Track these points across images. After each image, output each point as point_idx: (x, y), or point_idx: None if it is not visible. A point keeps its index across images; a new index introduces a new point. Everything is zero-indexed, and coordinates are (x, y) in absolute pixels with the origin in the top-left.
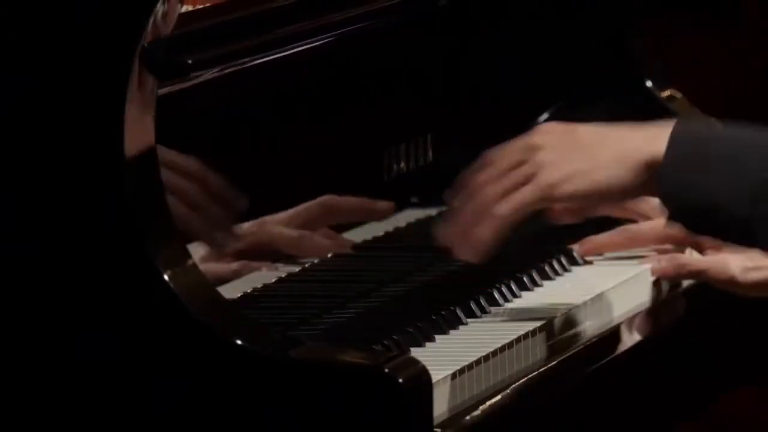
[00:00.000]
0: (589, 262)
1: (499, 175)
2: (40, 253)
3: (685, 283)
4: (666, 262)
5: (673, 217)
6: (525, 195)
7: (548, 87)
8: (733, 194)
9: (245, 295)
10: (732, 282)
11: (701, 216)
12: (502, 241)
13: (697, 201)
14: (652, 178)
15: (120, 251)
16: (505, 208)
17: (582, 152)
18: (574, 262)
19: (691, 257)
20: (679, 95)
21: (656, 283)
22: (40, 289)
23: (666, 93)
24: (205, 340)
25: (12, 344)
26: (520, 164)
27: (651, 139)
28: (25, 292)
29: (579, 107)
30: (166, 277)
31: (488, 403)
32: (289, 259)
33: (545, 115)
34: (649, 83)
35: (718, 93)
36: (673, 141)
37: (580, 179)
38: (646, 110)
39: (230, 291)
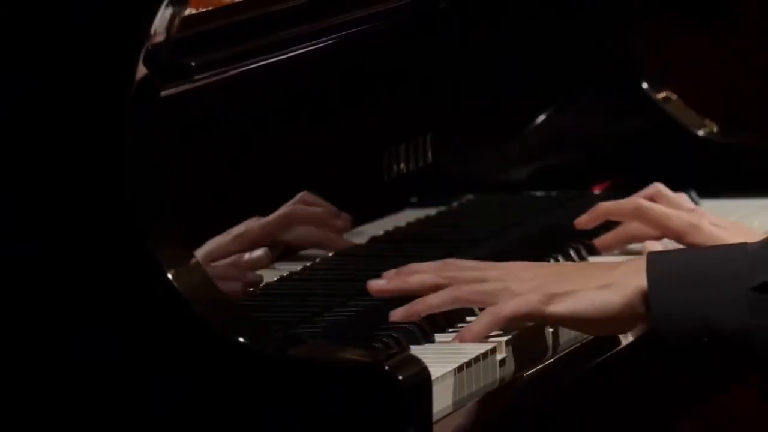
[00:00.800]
0: (585, 260)
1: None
2: (43, 252)
3: None
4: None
5: (668, 343)
6: (522, 303)
7: (545, 88)
8: (728, 306)
9: (247, 294)
10: None
11: (697, 336)
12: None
13: (691, 320)
14: (640, 306)
15: (123, 250)
16: (506, 310)
17: (571, 276)
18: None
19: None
20: (674, 97)
21: None
22: (43, 289)
23: (662, 94)
24: (208, 338)
25: (14, 343)
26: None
27: (635, 271)
28: (27, 292)
29: (575, 108)
30: (169, 276)
31: (487, 400)
32: (290, 258)
33: (543, 116)
34: (645, 85)
35: (713, 95)
36: (652, 265)
37: (572, 300)
38: (641, 112)
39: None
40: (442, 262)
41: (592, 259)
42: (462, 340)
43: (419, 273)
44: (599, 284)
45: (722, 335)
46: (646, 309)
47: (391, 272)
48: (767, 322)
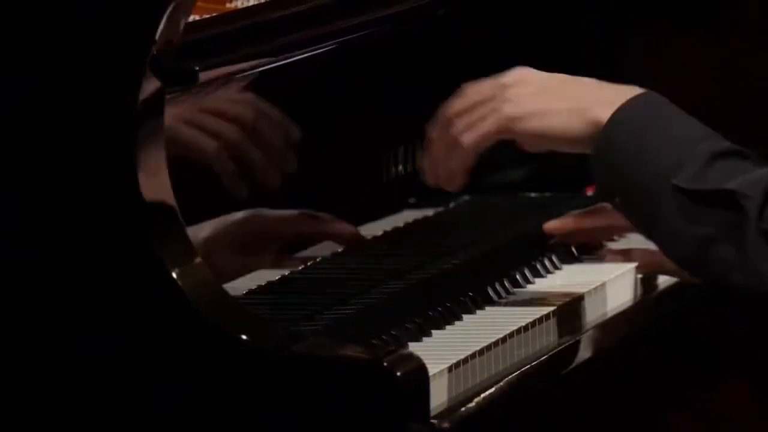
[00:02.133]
0: (579, 260)
1: (469, 108)
2: (49, 251)
3: (665, 283)
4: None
5: (596, 187)
6: (485, 126)
7: None
8: (643, 195)
9: (250, 292)
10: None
11: (618, 194)
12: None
13: (616, 184)
14: (590, 139)
15: (127, 250)
16: (469, 138)
17: (544, 95)
18: (564, 260)
19: (643, 250)
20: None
21: (641, 281)
22: (48, 287)
23: None
24: (211, 335)
25: (18, 341)
26: (488, 99)
27: (605, 104)
28: (32, 290)
29: None
30: (174, 275)
31: (483, 395)
32: (291, 257)
33: None
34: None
35: (705, 97)
36: (616, 115)
37: (537, 119)
38: None
39: (235, 288)
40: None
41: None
42: (444, 182)
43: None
44: (569, 105)
45: (633, 202)
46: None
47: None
48: (666, 217)
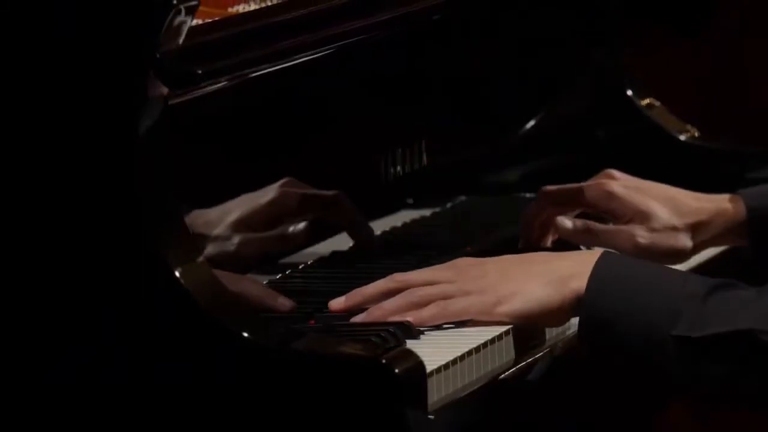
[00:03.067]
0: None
1: (428, 282)
2: (56, 250)
3: None
4: (580, 224)
5: (591, 346)
6: (470, 303)
7: (534, 96)
8: (644, 353)
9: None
10: (639, 252)
11: (615, 353)
12: None
13: (612, 347)
14: (570, 310)
15: (132, 249)
16: (455, 307)
17: (518, 274)
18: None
19: (603, 227)
20: (657, 104)
21: None
22: (53, 285)
23: (646, 101)
24: (214, 333)
25: (22, 338)
26: (450, 283)
27: (574, 273)
28: (38, 289)
29: (564, 114)
30: (177, 274)
31: (479, 391)
32: (292, 256)
33: (532, 121)
34: (629, 92)
35: (694, 101)
36: (593, 277)
37: (518, 299)
38: (627, 118)
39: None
40: (389, 277)
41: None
42: (409, 320)
43: (371, 288)
44: (543, 281)
45: (636, 362)
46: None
47: (349, 295)
48: (677, 369)
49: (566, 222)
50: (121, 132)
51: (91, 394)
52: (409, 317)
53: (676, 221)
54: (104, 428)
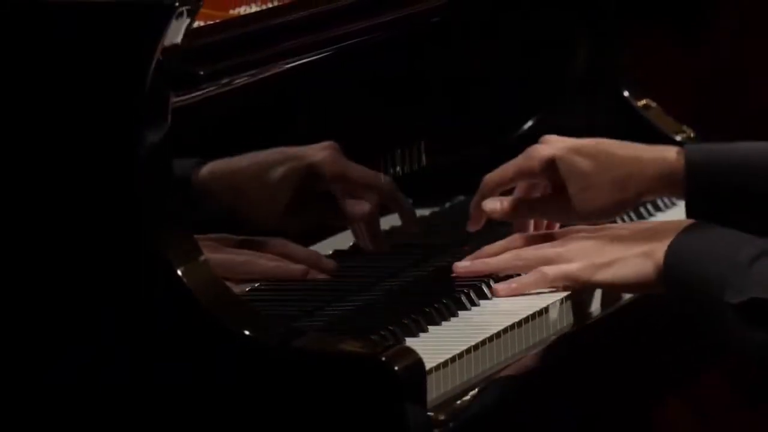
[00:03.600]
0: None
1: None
2: (57, 251)
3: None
4: (507, 203)
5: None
6: (572, 268)
7: (532, 97)
8: (708, 314)
9: (253, 290)
10: (566, 215)
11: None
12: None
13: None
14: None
15: (135, 249)
16: (554, 271)
17: (617, 243)
18: None
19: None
20: (653, 104)
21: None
22: (54, 286)
23: (642, 102)
24: (216, 331)
25: (25, 339)
26: (553, 240)
27: (663, 244)
28: (40, 288)
29: (561, 115)
30: (179, 273)
31: (477, 388)
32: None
33: (530, 122)
34: (626, 93)
35: (690, 103)
36: (672, 246)
37: (617, 267)
38: (623, 118)
39: (239, 286)
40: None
41: None
42: (511, 292)
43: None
44: (639, 252)
45: (708, 329)
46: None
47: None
48: (735, 332)
49: (494, 204)
50: (123, 132)
51: (91, 394)
52: (514, 284)
53: (604, 177)
54: (104, 428)
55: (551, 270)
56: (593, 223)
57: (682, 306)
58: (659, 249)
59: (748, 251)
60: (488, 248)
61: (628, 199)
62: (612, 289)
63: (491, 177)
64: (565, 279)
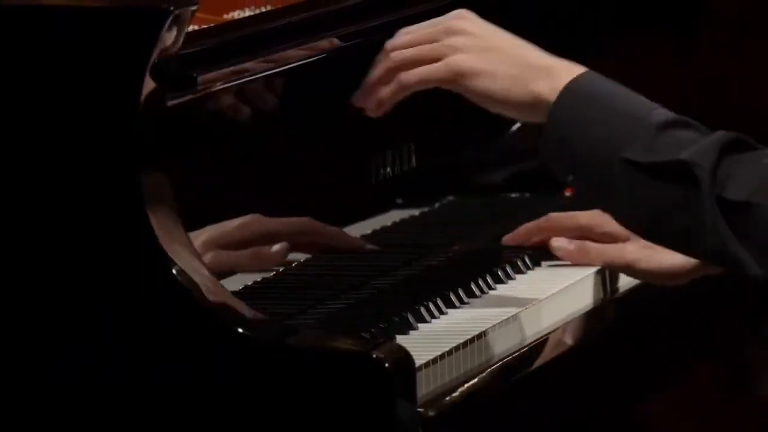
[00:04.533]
0: (556, 259)
1: (414, 43)
2: (56, 251)
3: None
4: (574, 246)
5: (545, 158)
6: (432, 71)
7: None
8: (597, 160)
9: (246, 288)
10: (629, 268)
11: (566, 167)
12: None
13: (567, 159)
14: (541, 114)
15: (133, 248)
16: (412, 76)
17: (493, 55)
18: (541, 259)
19: (596, 245)
20: None
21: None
22: (54, 286)
23: None
24: (211, 328)
25: (25, 339)
26: (436, 39)
27: (553, 79)
28: (40, 288)
29: None
30: (174, 272)
31: (466, 385)
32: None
33: (518, 124)
34: None
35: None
36: (565, 90)
37: (484, 80)
38: None
39: (233, 284)
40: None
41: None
42: (370, 103)
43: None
44: (513, 73)
45: (584, 178)
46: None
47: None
48: (620, 191)
49: (562, 243)
50: (121, 133)
51: (89, 388)
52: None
53: None
54: (104, 428)
55: (410, 76)
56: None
57: (551, 150)
58: (541, 79)
59: (659, 117)
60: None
61: (696, 266)
62: (472, 97)
63: (559, 219)
64: (424, 82)
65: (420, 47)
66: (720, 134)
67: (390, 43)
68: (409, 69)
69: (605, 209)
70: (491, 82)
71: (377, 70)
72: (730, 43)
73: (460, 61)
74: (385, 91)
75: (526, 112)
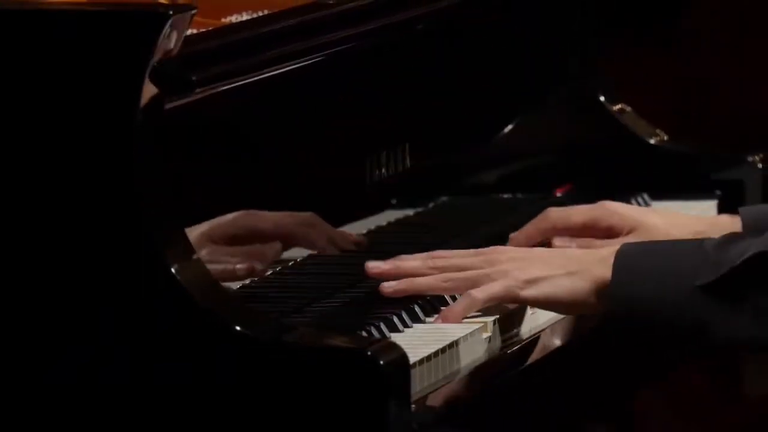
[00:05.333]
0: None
1: (470, 266)
2: (56, 251)
3: None
4: (577, 243)
5: (625, 332)
6: (497, 288)
7: (513, 102)
8: (676, 307)
9: (244, 287)
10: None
11: (652, 329)
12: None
13: (646, 316)
14: (600, 296)
15: (131, 247)
16: (482, 294)
17: (542, 263)
18: None
19: (600, 241)
20: (628, 109)
21: None
22: (53, 286)
23: (617, 107)
24: (209, 327)
25: (25, 339)
26: (486, 265)
27: (600, 260)
28: (39, 288)
29: (540, 119)
30: (173, 271)
31: (460, 382)
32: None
33: (510, 126)
34: (602, 98)
35: (663, 107)
36: (618, 258)
37: (544, 284)
38: (599, 122)
39: (231, 283)
40: (429, 253)
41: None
42: (444, 320)
43: (411, 261)
44: (567, 271)
45: (670, 328)
46: (605, 298)
47: (388, 261)
48: (710, 318)
49: (565, 242)
50: (121, 135)
51: (89, 383)
52: (449, 314)
53: (674, 231)
54: (104, 426)
55: (479, 293)
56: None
57: (624, 323)
58: (594, 266)
59: (707, 242)
60: (406, 259)
61: None
62: (540, 306)
63: (560, 217)
64: (492, 299)
65: (479, 268)
66: None
67: (449, 258)
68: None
69: (702, 345)
70: (550, 285)
71: (446, 280)
72: (710, 42)
73: (517, 274)
74: (459, 308)
75: (592, 303)
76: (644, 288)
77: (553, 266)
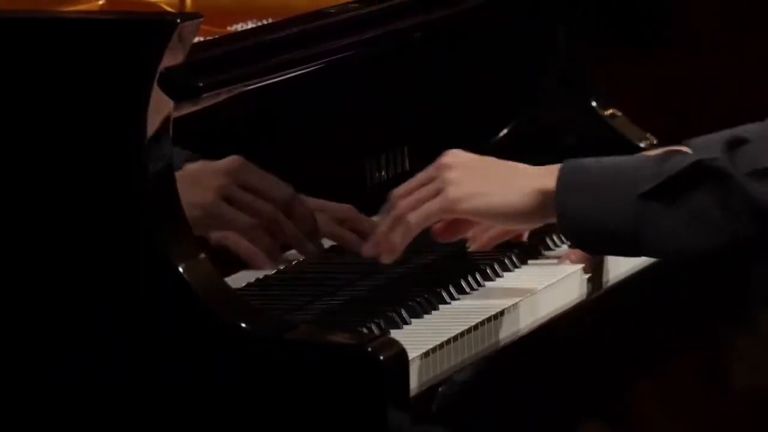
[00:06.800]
0: (542, 256)
1: (413, 190)
2: (57, 250)
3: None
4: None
5: (573, 242)
6: (431, 207)
7: (507, 107)
8: (618, 214)
9: (248, 285)
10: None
11: (596, 238)
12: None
13: (590, 224)
14: (547, 207)
15: (139, 246)
16: (414, 217)
17: (484, 177)
18: (529, 256)
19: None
20: (619, 114)
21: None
22: (54, 285)
23: (609, 112)
24: (213, 323)
25: (25, 339)
26: (431, 180)
27: (545, 174)
28: (40, 288)
29: (535, 123)
30: (180, 269)
31: (456, 377)
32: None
33: (505, 130)
34: (594, 103)
35: (653, 112)
36: (563, 172)
37: (480, 199)
38: (591, 126)
39: (235, 281)
40: (390, 203)
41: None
42: (385, 251)
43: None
44: (512, 182)
45: (611, 236)
46: (552, 210)
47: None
48: (647, 224)
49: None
50: (130, 140)
51: (94, 380)
52: (380, 241)
53: None
54: (105, 423)
55: (413, 217)
56: None
57: (568, 234)
58: (536, 180)
59: (651, 155)
60: (381, 228)
61: None
62: (482, 218)
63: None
64: (427, 218)
65: (419, 190)
66: (716, 134)
67: (393, 193)
68: (412, 211)
69: (640, 254)
70: (486, 198)
71: (387, 220)
72: (698, 49)
73: (452, 189)
74: (396, 237)
75: (532, 213)
76: (587, 198)
77: (489, 180)
